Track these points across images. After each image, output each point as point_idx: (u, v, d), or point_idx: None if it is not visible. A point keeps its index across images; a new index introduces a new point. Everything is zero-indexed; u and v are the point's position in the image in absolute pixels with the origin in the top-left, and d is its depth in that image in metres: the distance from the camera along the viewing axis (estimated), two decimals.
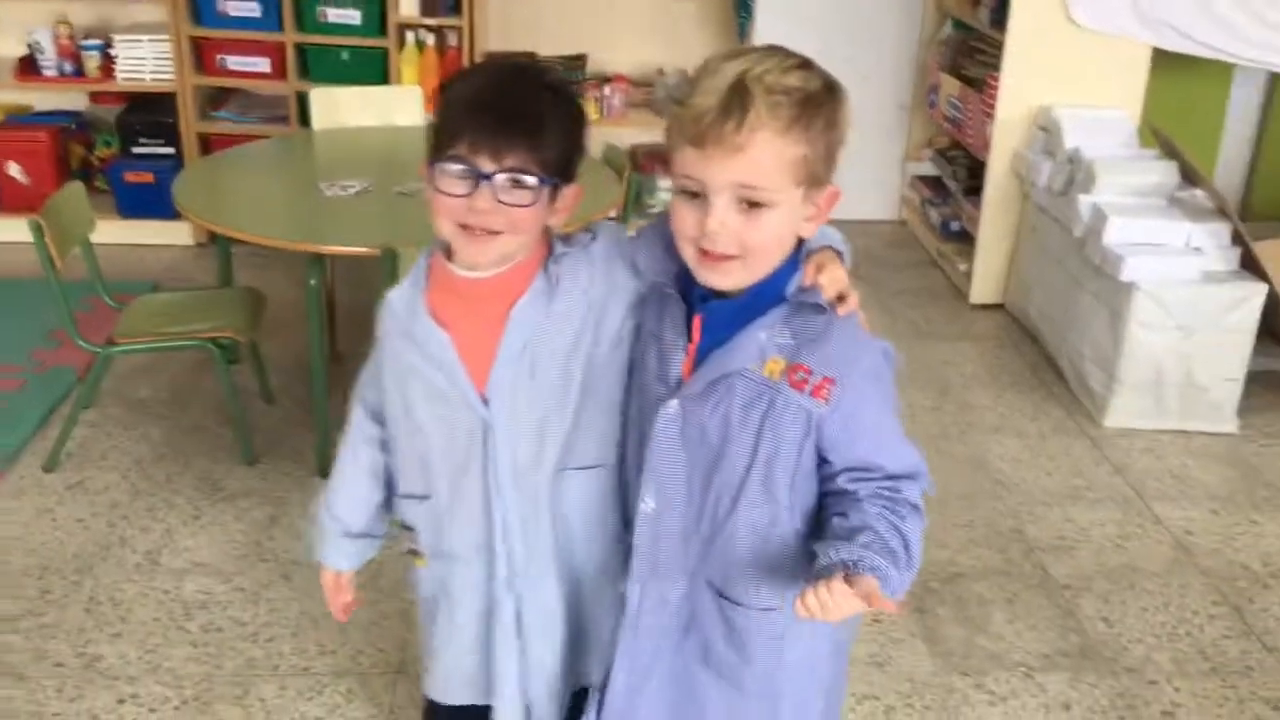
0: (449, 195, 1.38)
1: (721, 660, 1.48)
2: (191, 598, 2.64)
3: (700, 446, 1.39)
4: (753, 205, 1.27)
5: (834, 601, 1.23)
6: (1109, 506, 3.11)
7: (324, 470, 3.11)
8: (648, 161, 4.71)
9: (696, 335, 1.38)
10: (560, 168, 1.41)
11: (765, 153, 1.25)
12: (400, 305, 1.53)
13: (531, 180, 1.37)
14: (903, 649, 2.55)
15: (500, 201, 1.37)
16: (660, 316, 1.43)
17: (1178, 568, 2.87)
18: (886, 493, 1.36)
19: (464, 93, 1.40)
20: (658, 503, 1.43)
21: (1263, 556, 2.93)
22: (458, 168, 1.36)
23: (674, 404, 1.39)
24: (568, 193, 1.44)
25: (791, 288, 1.35)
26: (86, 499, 2.98)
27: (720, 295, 1.36)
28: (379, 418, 1.64)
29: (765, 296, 1.34)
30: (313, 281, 2.93)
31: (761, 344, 1.34)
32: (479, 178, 1.36)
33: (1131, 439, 3.44)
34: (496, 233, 1.39)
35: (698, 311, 1.38)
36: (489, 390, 1.48)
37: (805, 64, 1.30)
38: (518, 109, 1.37)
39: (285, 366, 3.68)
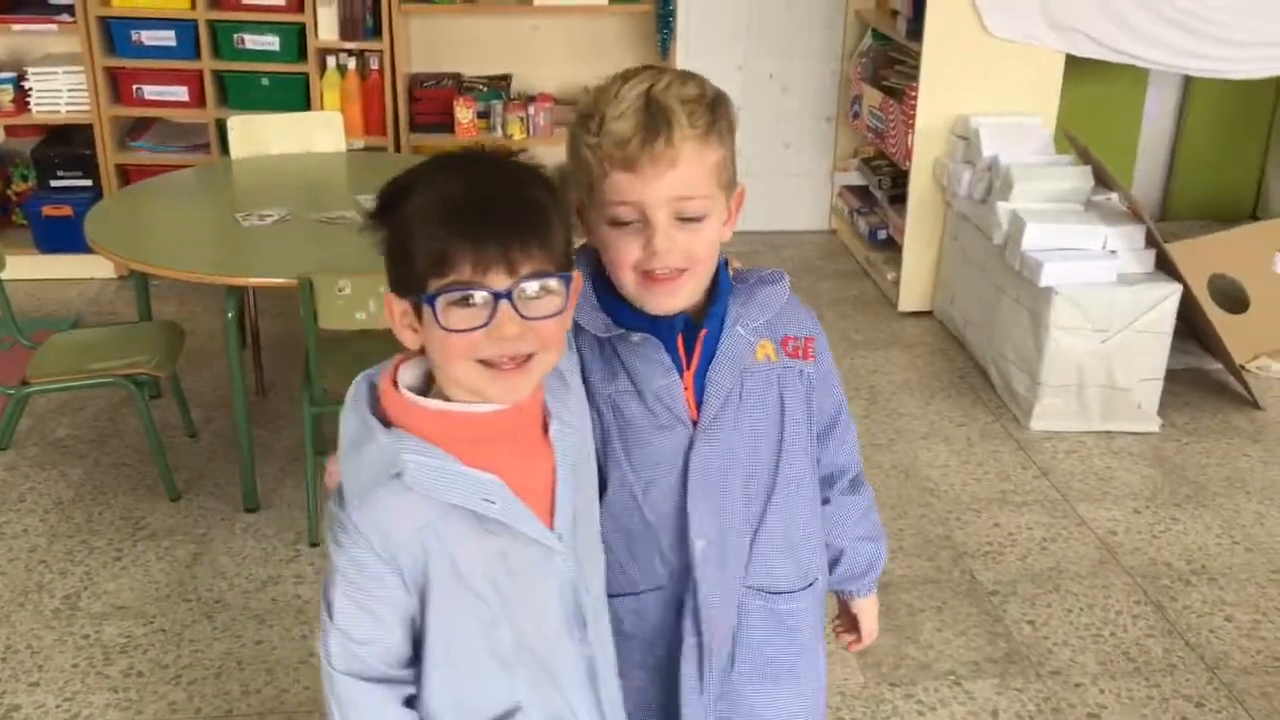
0: (463, 332, 1.12)
1: (777, 664, 1.45)
2: (112, 642, 2.58)
3: (732, 462, 1.37)
4: (688, 219, 1.28)
5: (874, 625, 1.60)
6: (1035, 510, 3.15)
7: (248, 503, 3.07)
8: None
9: (695, 360, 1.35)
10: (568, 256, 1.20)
11: (693, 162, 1.26)
12: (419, 485, 1.15)
13: (556, 283, 1.15)
14: (833, 661, 2.55)
15: (527, 318, 1.14)
16: (627, 368, 1.33)
17: (1102, 569, 2.91)
18: (850, 485, 1.57)
19: (439, 203, 1.13)
20: (707, 539, 1.36)
21: (1184, 554, 2.98)
22: (468, 295, 1.12)
23: (698, 437, 1.34)
24: (576, 282, 1.21)
25: (730, 276, 1.39)
26: (4, 544, 2.91)
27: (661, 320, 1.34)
28: (406, 661, 1.22)
29: (720, 300, 1.36)
30: (230, 314, 2.89)
31: (744, 337, 1.37)
32: (496, 299, 1.12)
33: (1056, 441, 3.49)
34: (529, 356, 1.16)
35: (687, 336, 1.35)
36: (558, 525, 1.22)
37: (692, 74, 1.32)
38: (514, 204, 1.14)
39: (209, 399, 3.62)
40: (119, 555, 2.89)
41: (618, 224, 1.27)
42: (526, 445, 1.22)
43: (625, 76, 1.30)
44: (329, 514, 1.21)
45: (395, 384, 1.20)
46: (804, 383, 1.42)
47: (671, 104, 1.25)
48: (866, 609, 1.60)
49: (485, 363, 1.14)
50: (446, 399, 1.19)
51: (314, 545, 2.93)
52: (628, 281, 1.30)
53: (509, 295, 1.12)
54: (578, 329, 1.33)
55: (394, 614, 1.18)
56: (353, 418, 1.21)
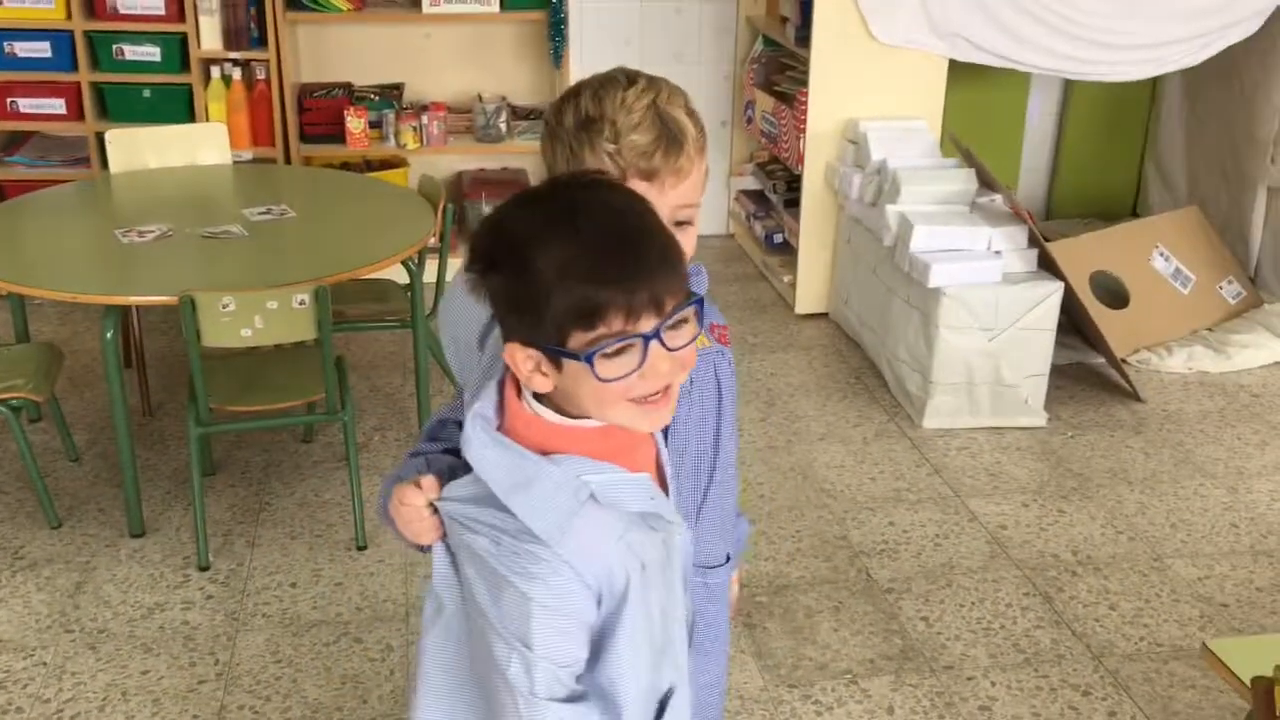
0: (619, 380, 1.12)
1: (704, 636, 1.50)
2: None
3: (686, 447, 1.42)
4: (681, 223, 1.35)
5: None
6: (928, 507, 3.21)
7: (134, 528, 2.98)
8: (474, 189, 4.67)
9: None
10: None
11: (697, 173, 1.36)
12: (610, 501, 1.17)
13: (691, 310, 1.15)
14: (732, 665, 2.57)
15: (673, 350, 1.14)
16: None
17: (992, 563, 2.97)
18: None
19: (578, 257, 1.09)
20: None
21: (1071, 545, 3.06)
22: (623, 344, 1.10)
23: (670, 426, 1.39)
24: None
25: None
26: None
27: None
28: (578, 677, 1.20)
29: None
30: (109, 334, 2.80)
31: None
32: (646, 341, 1.12)
33: (948, 439, 3.56)
34: (670, 385, 1.18)
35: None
36: (674, 503, 1.31)
37: (671, 84, 1.41)
38: (653, 243, 1.12)
39: (92, 421, 3.52)
40: None
41: None
42: (641, 437, 1.24)
43: (624, 84, 1.34)
44: (493, 552, 1.16)
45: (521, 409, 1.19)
46: (729, 365, 1.48)
47: (681, 118, 1.35)
48: (737, 578, 1.68)
49: (635, 400, 1.14)
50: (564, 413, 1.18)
51: (203, 569, 2.86)
52: None
53: (658, 335, 1.12)
54: None
55: (586, 633, 1.18)
56: (503, 457, 1.17)
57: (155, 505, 3.11)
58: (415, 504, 1.21)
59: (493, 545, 1.16)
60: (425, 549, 1.26)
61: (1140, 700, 2.51)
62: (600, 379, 1.11)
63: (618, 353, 1.10)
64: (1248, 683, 1.67)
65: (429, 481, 1.22)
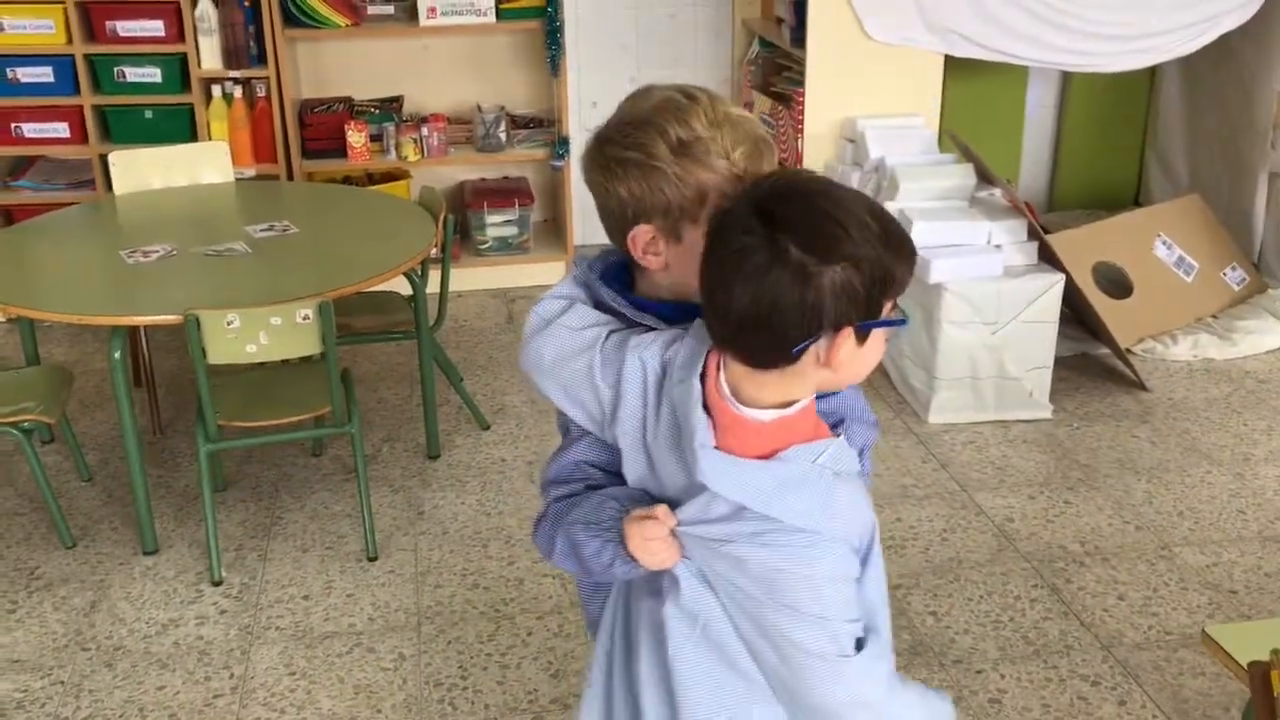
0: (885, 345, 1.28)
1: None
2: (7, 697, 2.52)
3: None
4: None
5: None
6: (935, 502, 3.22)
7: (147, 546, 3.01)
8: (476, 199, 4.70)
9: None
10: None
11: None
12: (848, 469, 1.31)
13: None
14: None
15: None
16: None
17: (1000, 556, 2.98)
18: None
19: (887, 234, 1.21)
20: None
21: (1078, 535, 3.06)
22: (897, 310, 1.27)
23: None
24: None
25: None
26: None
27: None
28: None
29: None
30: (116, 354, 2.83)
31: None
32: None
33: (954, 434, 3.57)
34: None
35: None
36: None
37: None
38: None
39: (104, 441, 3.55)
40: (13, 608, 2.81)
41: None
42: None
43: (692, 101, 1.33)
44: (762, 556, 1.25)
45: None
46: None
47: (750, 119, 1.37)
48: None
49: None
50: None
51: (216, 584, 2.88)
52: None
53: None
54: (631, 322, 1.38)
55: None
56: (751, 475, 1.24)
57: (168, 522, 3.14)
58: (661, 535, 1.29)
59: (761, 549, 1.25)
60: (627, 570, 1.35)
61: (1150, 689, 2.51)
62: (886, 340, 1.26)
63: (894, 319, 1.25)
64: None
65: (663, 511, 1.29)
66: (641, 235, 1.33)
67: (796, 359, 1.21)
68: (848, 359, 1.22)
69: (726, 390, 1.24)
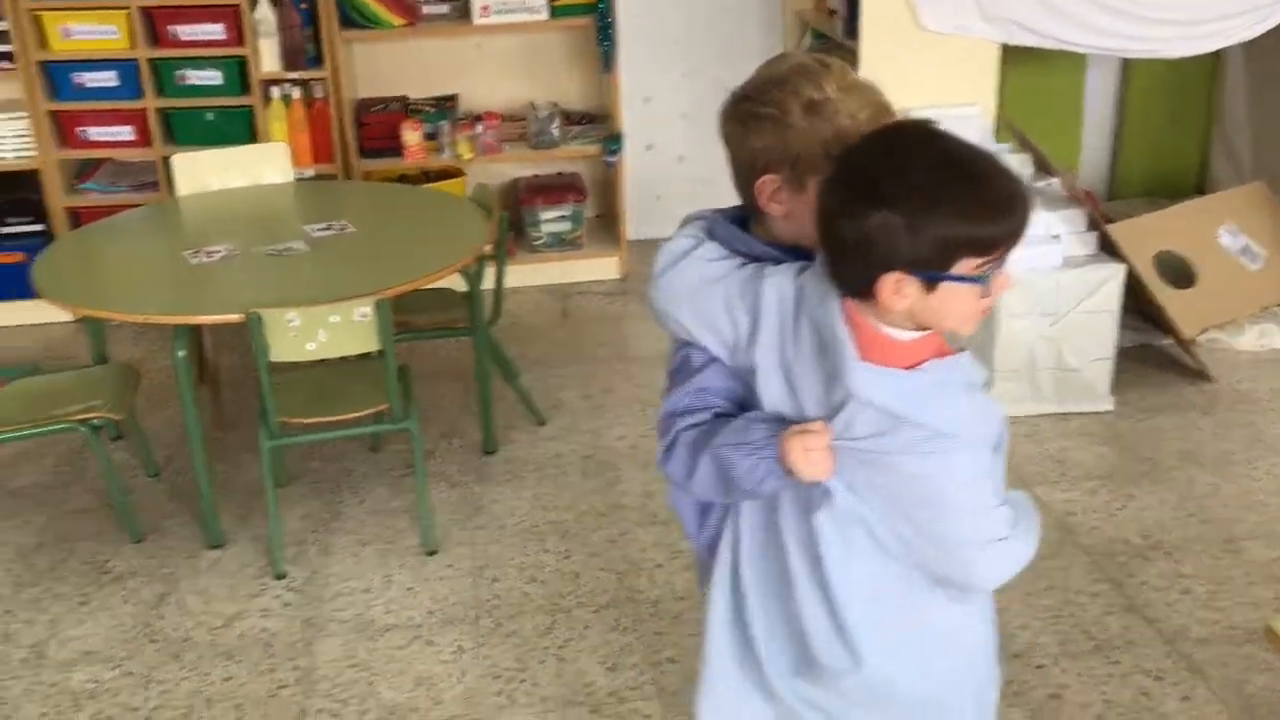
0: (983, 299, 1.35)
1: None
2: (80, 688, 2.59)
3: None
4: None
5: None
6: None
7: (212, 540, 3.07)
8: (529, 195, 4.73)
9: None
10: None
11: None
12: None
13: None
14: None
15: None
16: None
17: (1060, 549, 2.94)
18: None
19: (966, 197, 1.30)
20: None
21: (1141, 529, 3.02)
22: (994, 269, 1.34)
23: None
24: None
25: None
26: None
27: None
28: None
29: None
30: (180, 353, 2.90)
31: None
32: (1001, 268, 1.36)
33: (1013, 426, 3.48)
34: None
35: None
36: None
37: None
38: (1011, 176, 1.34)
39: (170, 438, 3.63)
40: (85, 600, 2.89)
41: None
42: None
43: (823, 67, 1.45)
44: (922, 449, 1.38)
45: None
46: None
47: (871, 83, 1.48)
48: None
49: (980, 313, 1.38)
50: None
51: (279, 578, 2.94)
52: None
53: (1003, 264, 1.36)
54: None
55: None
56: (903, 385, 1.37)
57: (232, 517, 3.20)
58: (821, 446, 1.40)
59: (915, 456, 1.38)
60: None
61: (1215, 684, 2.47)
62: (982, 296, 1.34)
63: (995, 273, 1.34)
64: None
65: (820, 425, 1.40)
66: (768, 184, 1.46)
67: (869, 292, 1.33)
68: (919, 304, 1.32)
69: (893, 297, 1.33)
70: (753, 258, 1.51)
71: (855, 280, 1.35)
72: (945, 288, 1.32)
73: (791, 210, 1.48)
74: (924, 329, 1.38)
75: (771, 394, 1.45)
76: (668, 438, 1.52)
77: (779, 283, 1.44)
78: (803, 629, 1.52)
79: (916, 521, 1.43)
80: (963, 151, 1.33)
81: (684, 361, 1.53)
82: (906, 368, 1.37)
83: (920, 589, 1.48)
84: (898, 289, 1.32)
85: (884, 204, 1.29)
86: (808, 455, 1.40)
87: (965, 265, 1.31)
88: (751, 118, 1.46)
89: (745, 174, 1.50)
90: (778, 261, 1.48)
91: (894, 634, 1.49)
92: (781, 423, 1.44)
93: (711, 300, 1.47)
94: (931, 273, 1.31)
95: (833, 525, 1.45)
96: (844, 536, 1.46)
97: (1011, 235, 1.32)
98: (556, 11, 4.47)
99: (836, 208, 1.33)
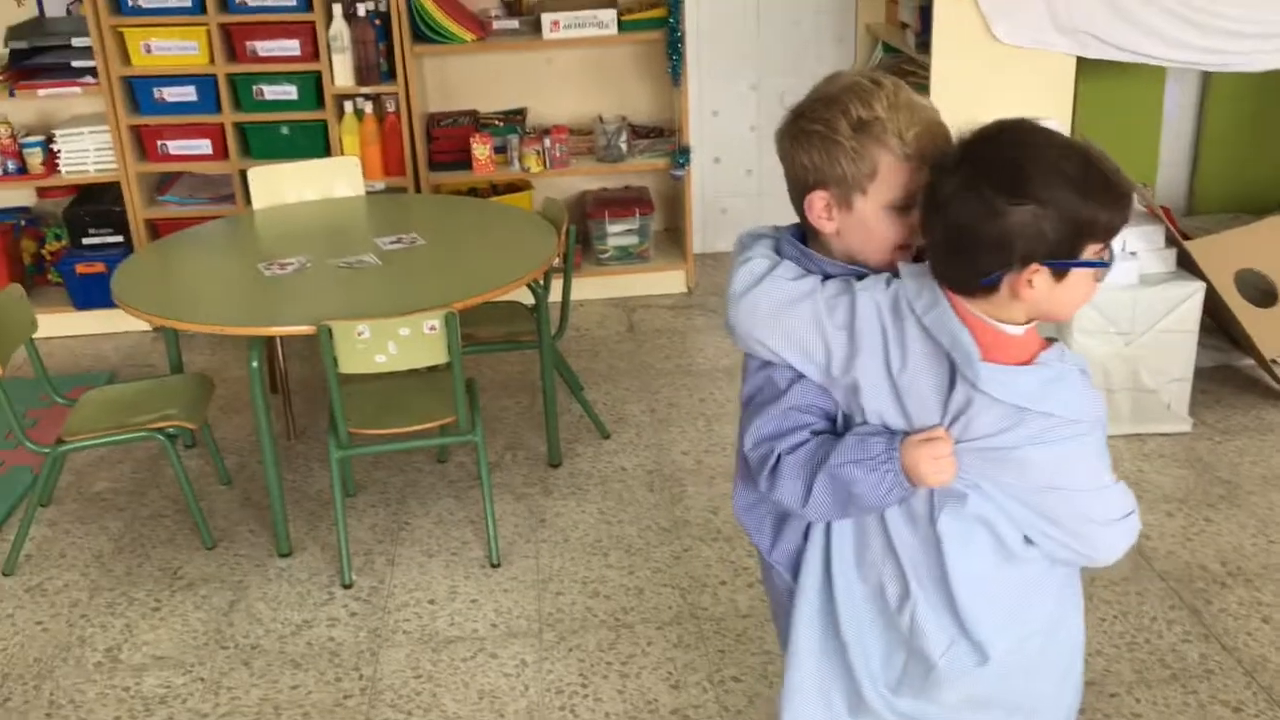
0: (1098, 283, 1.41)
1: None
2: (151, 693, 2.63)
3: None
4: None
5: None
6: None
7: (281, 548, 3.11)
8: (597, 208, 4.74)
9: None
10: None
11: None
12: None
13: None
14: None
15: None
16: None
17: (1136, 575, 2.87)
18: None
19: (1094, 183, 1.34)
20: None
21: (1219, 555, 2.94)
22: (1109, 256, 1.39)
23: None
24: None
25: None
26: (46, 600, 2.98)
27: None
28: None
29: None
30: (254, 363, 2.94)
31: None
32: (1113, 255, 1.42)
33: None
34: None
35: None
36: None
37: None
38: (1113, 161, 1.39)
39: (242, 446, 3.69)
40: (158, 606, 2.94)
41: (893, 208, 1.47)
42: None
43: (893, 85, 1.48)
44: (1046, 438, 1.42)
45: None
46: None
47: (927, 104, 1.51)
48: None
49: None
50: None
51: (346, 587, 2.97)
52: (888, 253, 1.49)
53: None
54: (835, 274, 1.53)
55: None
56: (1026, 380, 1.40)
57: (301, 526, 3.25)
58: (948, 452, 1.43)
59: (1044, 446, 1.41)
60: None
61: None
62: (1095, 281, 1.38)
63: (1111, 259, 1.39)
64: None
65: (943, 431, 1.44)
66: (817, 200, 1.49)
67: (993, 288, 1.37)
68: (1044, 294, 1.36)
69: (1026, 289, 1.36)
70: (825, 275, 1.51)
71: (980, 278, 1.37)
72: (1073, 275, 1.36)
73: (840, 228, 1.49)
74: (1030, 321, 1.42)
75: (878, 407, 1.46)
76: (769, 463, 1.50)
77: (873, 295, 1.45)
78: (911, 639, 1.53)
79: (1043, 508, 1.46)
80: (1073, 141, 1.38)
81: (767, 383, 1.52)
82: (1022, 361, 1.40)
83: (1030, 584, 1.52)
84: (1031, 282, 1.35)
85: (1030, 197, 1.32)
86: (937, 462, 1.43)
87: (1090, 251, 1.35)
88: (802, 134, 1.49)
89: (797, 190, 1.52)
90: (858, 277, 1.48)
91: (1012, 630, 1.52)
92: (893, 434, 1.46)
93: (798, 320, 1.47)
94: (1064, 261, 1.34)
95: (958, 527, 1.48)
96: (966, 538, 1.48)
97: (1128, 218, 1.38)
98: (626, 26, 4.49)
99: (975, 207, 1.34)
